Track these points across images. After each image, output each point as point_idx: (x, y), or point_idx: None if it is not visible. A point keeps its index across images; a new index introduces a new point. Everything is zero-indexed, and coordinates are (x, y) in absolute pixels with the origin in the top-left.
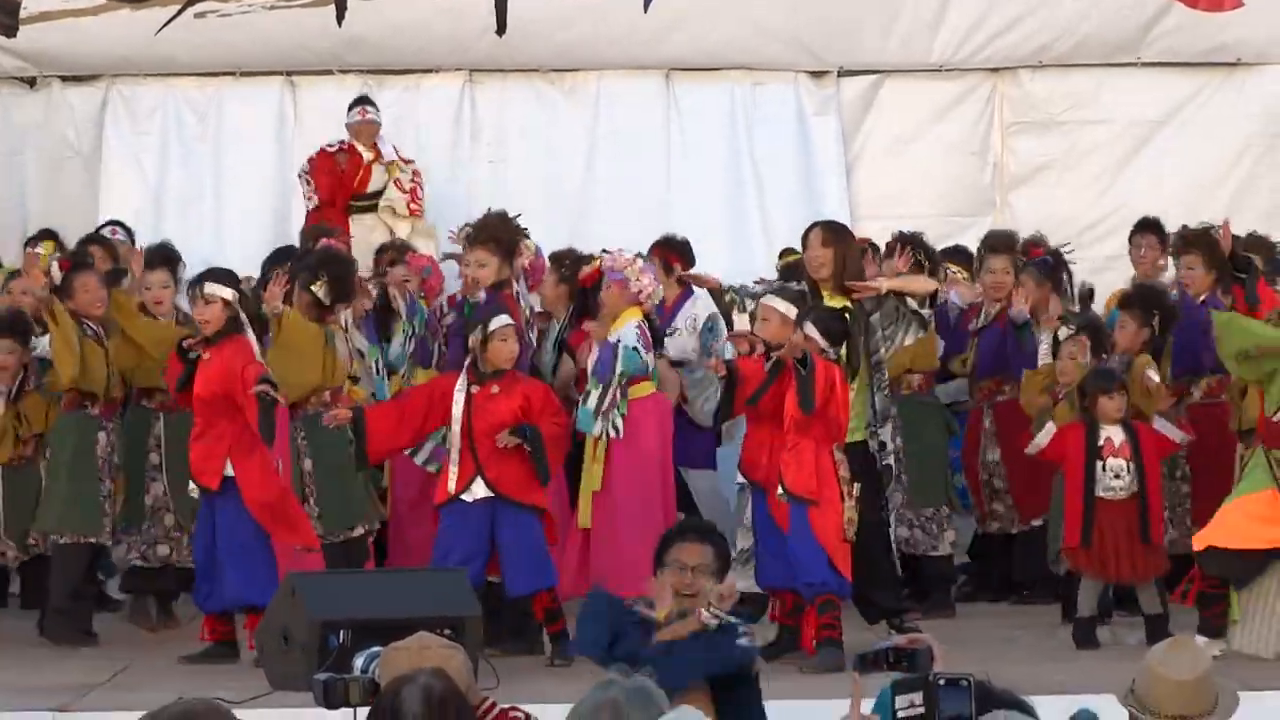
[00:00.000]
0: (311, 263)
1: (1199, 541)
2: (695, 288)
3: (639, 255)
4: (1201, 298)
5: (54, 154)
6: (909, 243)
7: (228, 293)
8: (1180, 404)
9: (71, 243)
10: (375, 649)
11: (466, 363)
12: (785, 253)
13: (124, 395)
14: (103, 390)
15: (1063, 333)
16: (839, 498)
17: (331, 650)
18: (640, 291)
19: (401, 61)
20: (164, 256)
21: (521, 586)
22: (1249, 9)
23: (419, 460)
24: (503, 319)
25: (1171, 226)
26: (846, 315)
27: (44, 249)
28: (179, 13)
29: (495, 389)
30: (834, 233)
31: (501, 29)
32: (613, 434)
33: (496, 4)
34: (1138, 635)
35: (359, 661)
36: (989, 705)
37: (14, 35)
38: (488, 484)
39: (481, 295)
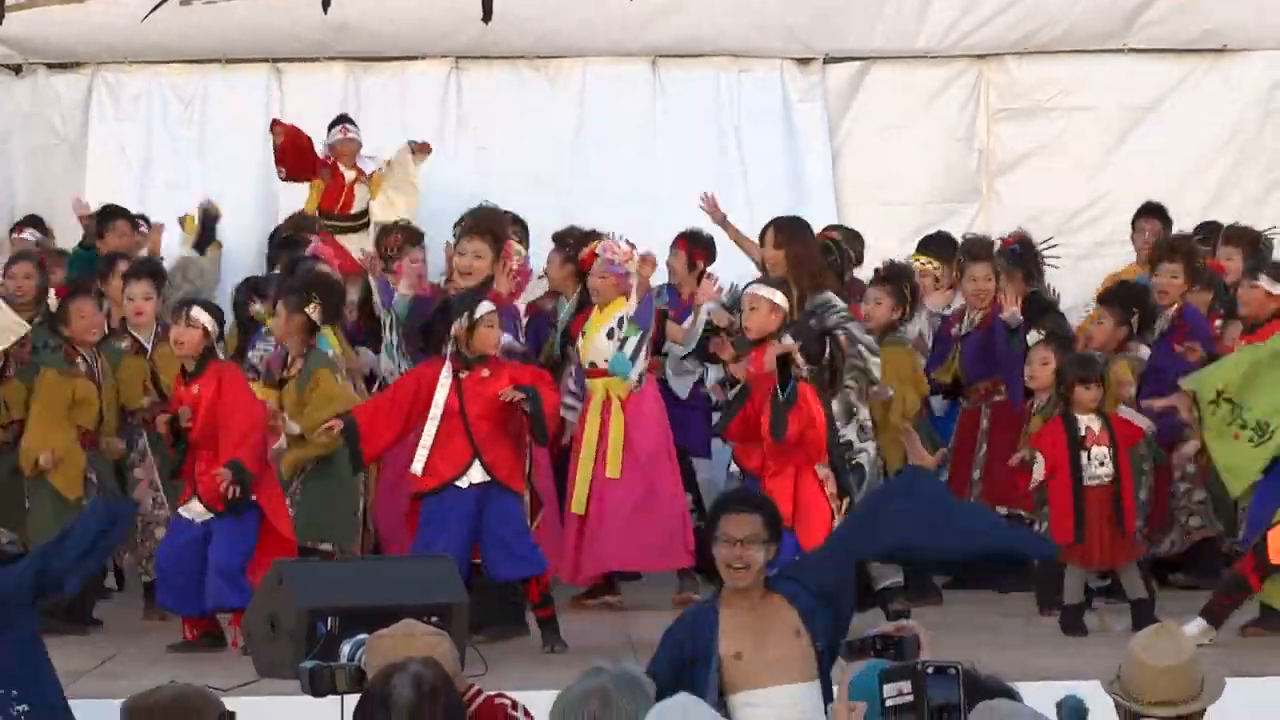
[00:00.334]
0: (300, 285)
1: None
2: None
3: (633, 246)
4: (1175, 306)
5: (40, 141)
6: (893, 277)
7: (210, 323)
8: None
9: (59, 230)
10: (361, 636)
11: (449, 351)
12: None
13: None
14: (93, 426)
15: (1032, 336)
16: (829, 515)
17: (319, 638)
18: (634, 286)
19: (388, 49)
20: (149, 269)
21: (510, 571)
22: None
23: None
24: (487, 305)
25: None
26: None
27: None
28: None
29: (485, 373)
30: (787, 232)
31: (488, 16)
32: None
33: None
34: (1124, 622)
35: (345, 649)
36: (977, 693)
37: (0, 22)
38: (485, 468)
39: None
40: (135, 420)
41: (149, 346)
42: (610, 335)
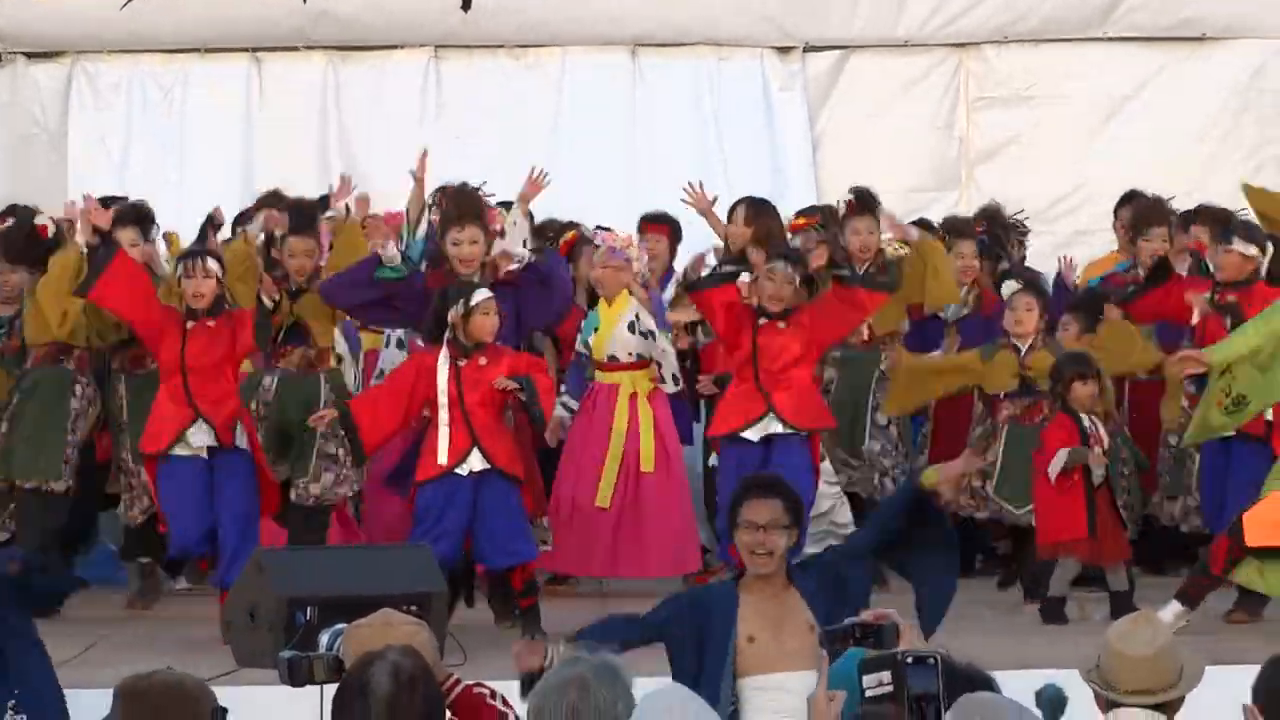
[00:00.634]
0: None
1: (1254, 540)
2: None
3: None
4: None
5: (21, 131)
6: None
7: (220, 270)
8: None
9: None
10: (340, 626)
11: (446, 337)
12: None
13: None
14: (83, 340)
15: (1010, 286)
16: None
17: (298, 628)
18: (638, 273)
19: (367, 38)
20: (136, 215)
21: (497, 559)
22: None
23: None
24: (484, 292)
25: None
26: None
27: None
28: None
29: (483, 361)
30: (755, 209)
31: (467, 5)
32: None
33: None
34: (1104, 611)
35: (324, 639)
36: (955, 683)
37: None
38: (485, 456)
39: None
40: (114, 365)
41: None
42: (632, 329)
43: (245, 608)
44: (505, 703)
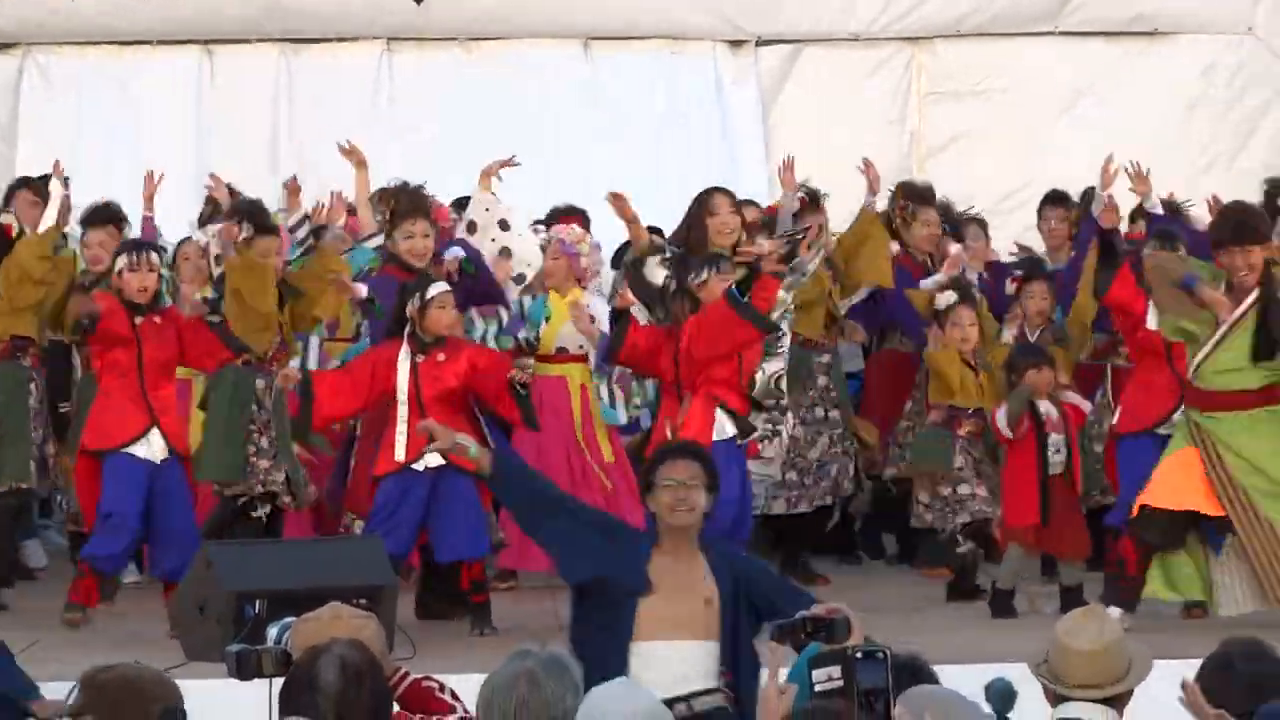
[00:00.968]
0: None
1: (1140, 501)
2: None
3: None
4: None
5: None
6: None
7: (160, 266)
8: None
9: None
10: (288, 619)
11: (406, 331)
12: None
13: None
14: (37, 334)
15: (947, 297)
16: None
17: (247, 621)
18: (587, 269)
19: (319, 30)
20: (108, 215)
21: (447, 553)
22: None
23: None
24: (440, 286)
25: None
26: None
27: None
28: None
29: (441, 356)
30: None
31: None
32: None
33: None
34: (1054, 604)
35: (272, 632)
36: (899, 675)
37: None
38: (440, 452)
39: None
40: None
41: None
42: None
43: (194, 601)
44: (454, 696)
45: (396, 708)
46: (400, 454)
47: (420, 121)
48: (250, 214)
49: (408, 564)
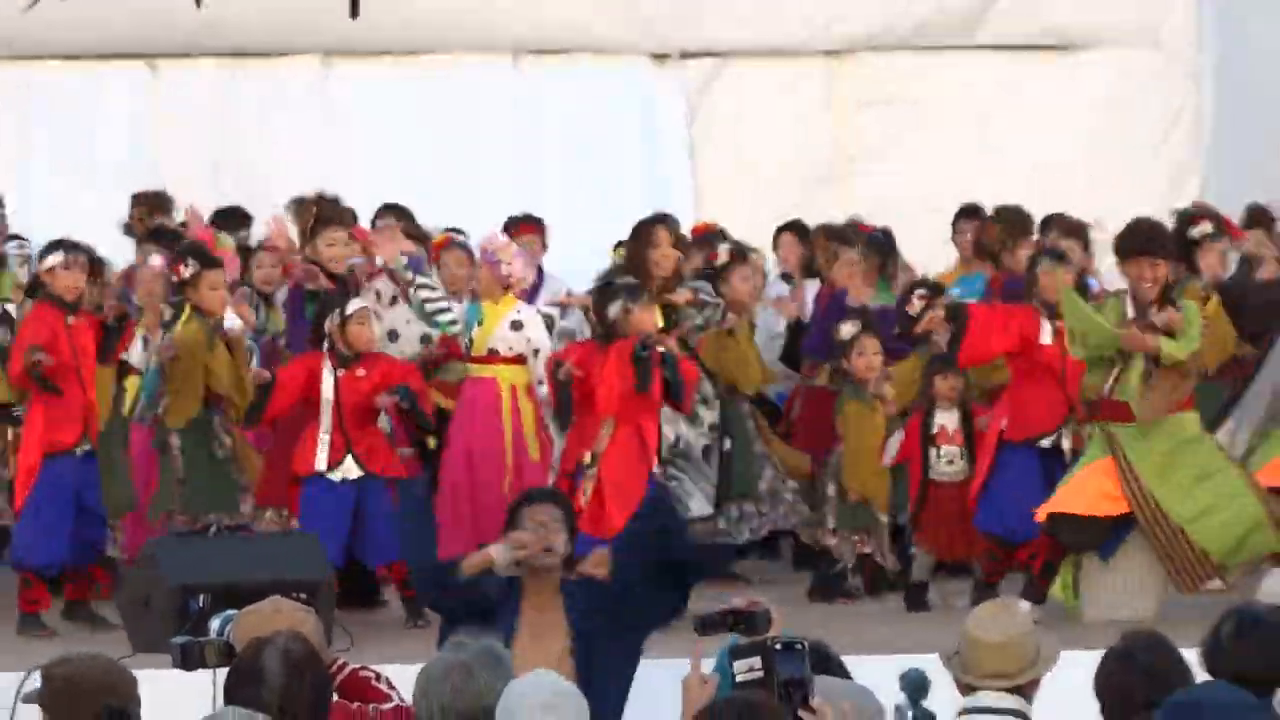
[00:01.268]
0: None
1: (1046, 509)
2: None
3: (512, 240)
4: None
5: None
6: None
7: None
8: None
9: None
10: (230, 612)
11: (325, 347)
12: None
13: None
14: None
15: (847, 329)
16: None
17: (191, 614)
18: (510, 275)
19: (259, 45)
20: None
21: (387, 556)
22: None
23: None
24: (358, 302)
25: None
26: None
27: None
28: None
29: (360, 371)
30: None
31: (355, 13)
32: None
33: None
34: (966, 599)
35: (215, 625)
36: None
37: None
38: (358, 462)
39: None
40: None
41: None
42: (515, 327)
43: (140, 595)
44: (390, 685)
45: (335, 696)
46: (321, 464)
47: (357, 133)
48: (193, 252)
49: None
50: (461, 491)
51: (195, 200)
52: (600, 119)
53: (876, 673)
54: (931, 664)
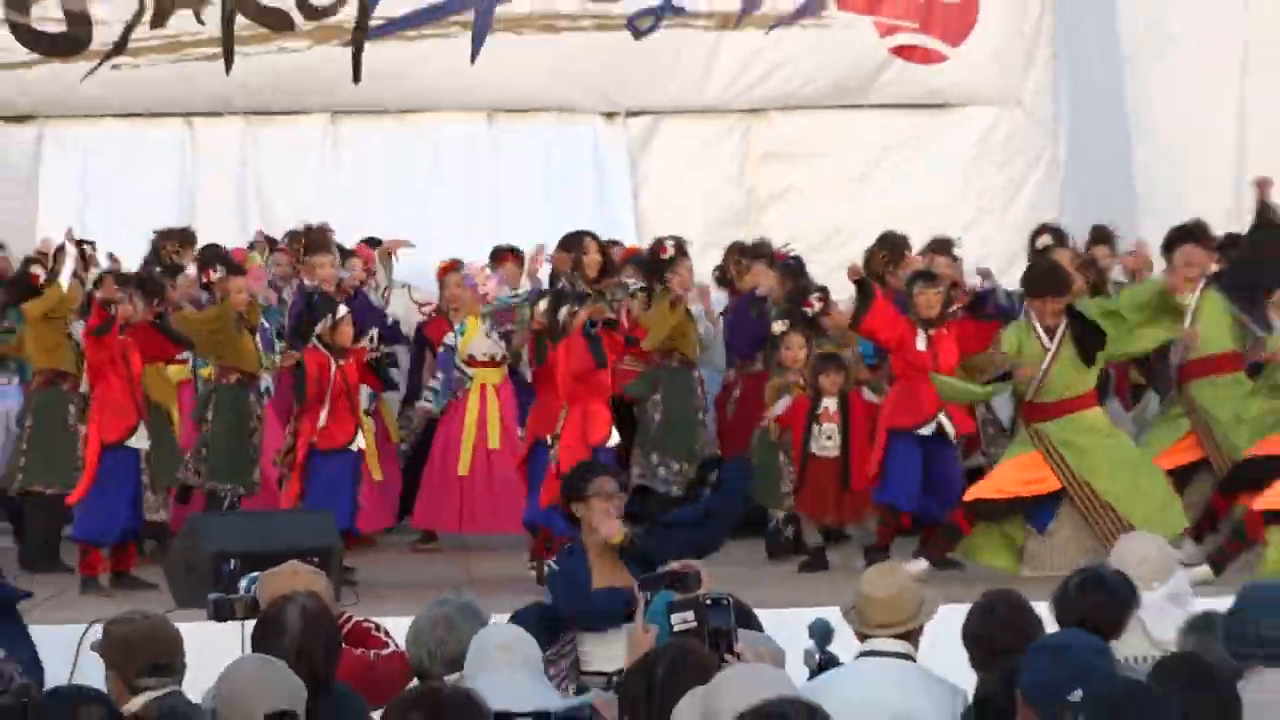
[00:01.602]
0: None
1: (970, 494)
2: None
3: (487, 265)
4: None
5: None
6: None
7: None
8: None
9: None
10: (256, 574)
11: (316, 344)
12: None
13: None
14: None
15: (780, 325)
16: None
17: (224, 576)
18: (487, 295)
19: (278, 105)
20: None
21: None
22: (955, 60)
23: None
24: (344, 308)
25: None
26: None
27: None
28: (98, 65)
29: (344, 362)
30: (567, 243)
31: (357, 77)
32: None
33: (354, 55)
34: (862, 561)
35: (243, 584)
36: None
37: None
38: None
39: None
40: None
41: None
42: (487, 335)
43: (183, 560)
44: (387, 634)
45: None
46: (342, 438)
47: (361, 186)
48: (220, 260)
49: None
50: (434, 472)
51: (223, 235)
52: (559, 167)
53: (787, 624)
54: (834, 615)
